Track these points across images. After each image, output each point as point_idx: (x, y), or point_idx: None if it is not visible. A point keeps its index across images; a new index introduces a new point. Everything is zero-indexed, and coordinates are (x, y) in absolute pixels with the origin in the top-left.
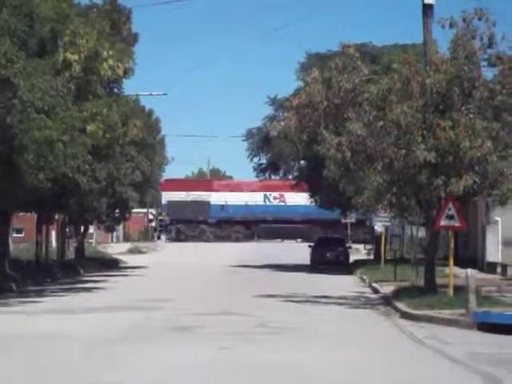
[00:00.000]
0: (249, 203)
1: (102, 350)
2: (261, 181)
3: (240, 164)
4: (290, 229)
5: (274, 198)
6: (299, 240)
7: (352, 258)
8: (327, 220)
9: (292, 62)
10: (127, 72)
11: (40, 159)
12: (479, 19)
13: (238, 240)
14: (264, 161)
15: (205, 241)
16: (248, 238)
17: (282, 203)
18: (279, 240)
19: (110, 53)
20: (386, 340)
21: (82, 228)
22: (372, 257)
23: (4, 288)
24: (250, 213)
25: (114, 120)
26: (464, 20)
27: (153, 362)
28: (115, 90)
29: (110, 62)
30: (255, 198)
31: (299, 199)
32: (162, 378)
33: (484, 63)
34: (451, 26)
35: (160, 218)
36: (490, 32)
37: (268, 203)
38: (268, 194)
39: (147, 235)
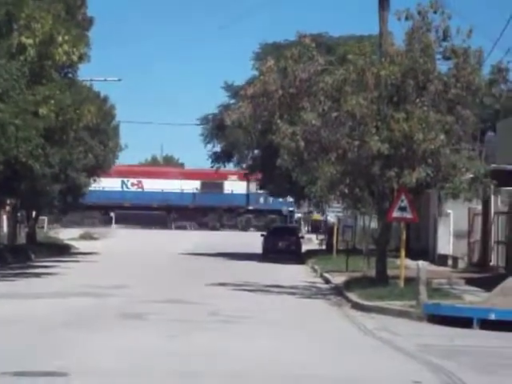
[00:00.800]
0: (105, 189)
1: (51, 334)
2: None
3: (194, 151)
4: (147, 215)
5: (132, 184)
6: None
7: (304, 248)
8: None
9: (248, 51)
10: (82, 58)
11: None
12: (435, 12)
13: (93, 225)
14: (218, 149)
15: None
16: (105, 223)
17: (140, 189)
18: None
19: (66, 38)
20: (336, 330)
21: (34, 213)
22: (324, 247)
23: None
24: (106, 198)
25: (66, 103)
26: (419, 13)
27: (101, 347)
28: (70, 76)
29: (65, 47)
30: (112, 184)
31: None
32: (108, 363)
33: (439, 56)
34: (407, 19)
35: None
36: (445, 25)
37: (125, 189)
38: (126, 179)
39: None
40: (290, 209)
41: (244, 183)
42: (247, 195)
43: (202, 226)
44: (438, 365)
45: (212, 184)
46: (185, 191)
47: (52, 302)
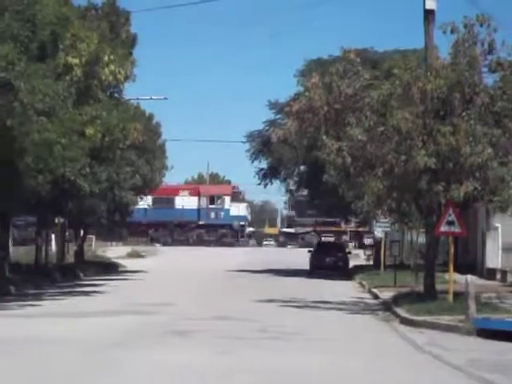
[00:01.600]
0: None
1: (100, 353)
2: None
3: (240, 168)
4: None
5: None
6: None
7: (351, 264)
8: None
9: (292, 67)
10: (128, 78)
11: (39, 162)
12: (481, 25)
13: None
14: (264, 165)
15: None
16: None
17: None
18: None
19: (111, 57)
20: (385, 346)
21: (82, 232)
22: (371, 262)
23: (3, 291)
24: None
25: (113, 123)
26: (465, 26)
27: (150, 365)
28: (115, 95)
29: (112, 67)
30: None
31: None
32: (157, 382)
33: (485, 69)
34: (452, 32)
35: None
36: (491, 38)
37: None
38: None
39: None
40: (242, 223)
41: (195, 198)
42: (198, 210)
43: (154, 241)
44: (487, 379)
45: (163, 199)
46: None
47: (99, 321)
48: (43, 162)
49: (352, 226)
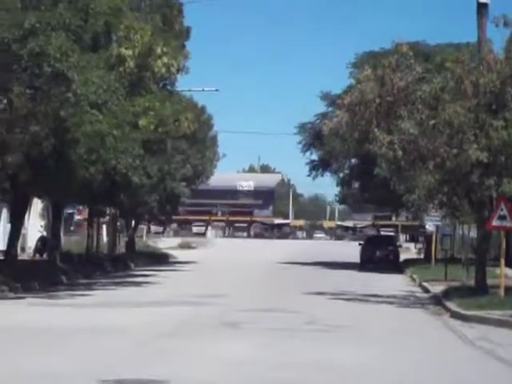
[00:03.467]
0: None
1: (152, 343)
2: None
3: (291, 160)
4: None
5: None
6: None
7: (402, 257)
8: None
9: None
10: (181, 70)
11: (92, 153)
12: None
13: None
14: (315, 157)
15: None
16: None
17: None
18: None
19: (165, 50)
20: (436, 340)
21: (133, 222)
22: (422, 256)
23: (55, 281)
24: None
25: (166, 114)
26: None
27: (200, 356)
28: (168, 87)
29: (165, 59)
30: None
31: None
32: (207, 372)
33: None
34: (505, 25)
35: None
36: None
37: None
38: None
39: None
40: None
41: None
42: None
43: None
44: None
45: None
46: None
47: (150, 311)
48: (95, 153)
49: (403, 220)
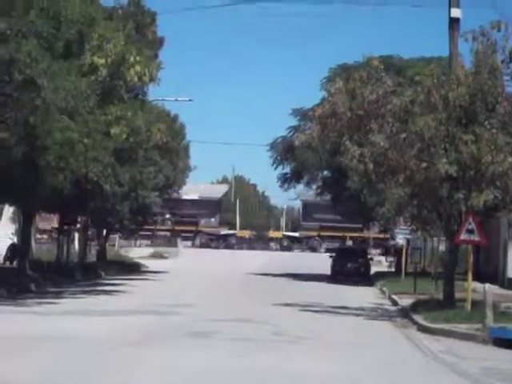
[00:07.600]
0: None
1: (115, 352)
2: None
3: (265, 171)
4: None
5: None
6: None
7: (373, 270)
8: None
9: (317, 75)
10: (154, 80)
11: (61, 160)
12: (498, 30)
13: None
14: (288, 170)
15: None
16: None
17: None
18: None
19: (137, 59)
20: (400, 352)
21: (105, 231)
22: (393, 269)
23: (23, 288)
24: None
25: (138, 124)
26: (482, 34)
27: (164, 366)
28: (140, 96)
29: (137, 68)
30: None
31: None
32: (168, 381)
33: (507, 77)
34: (474, 40)
35: None
36: (510, 47)
37: None
38: None
39: (170, 241)
40: None
41: None
42: None
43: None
44: None
45: None
46: None
47: (118, 320)
48: (64, 161)
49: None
